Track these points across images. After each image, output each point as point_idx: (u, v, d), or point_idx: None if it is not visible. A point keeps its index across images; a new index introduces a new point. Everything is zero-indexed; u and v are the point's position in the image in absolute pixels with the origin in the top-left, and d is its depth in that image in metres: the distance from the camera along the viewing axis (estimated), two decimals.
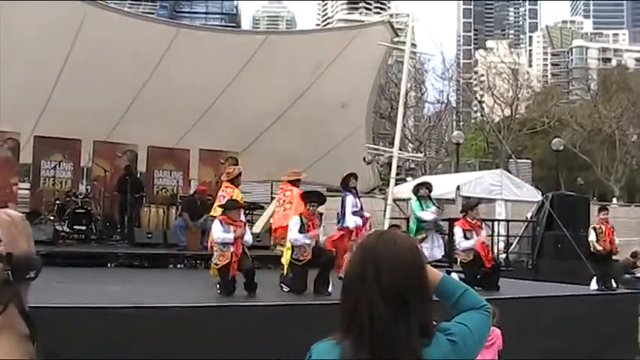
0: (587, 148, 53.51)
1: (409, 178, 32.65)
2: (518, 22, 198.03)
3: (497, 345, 7.63)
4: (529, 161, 43.06)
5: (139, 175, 18.54)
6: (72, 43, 15.13)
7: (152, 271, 14.23)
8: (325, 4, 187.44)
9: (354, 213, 12.19)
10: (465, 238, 11.85)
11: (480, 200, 17.64)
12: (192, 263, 15.24)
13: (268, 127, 18.86)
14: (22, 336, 1.25)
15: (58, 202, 16.49)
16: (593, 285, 12.83)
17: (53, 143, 17.59)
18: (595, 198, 48.71)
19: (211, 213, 11.37)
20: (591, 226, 14.11)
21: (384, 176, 25.30)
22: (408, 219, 15.84)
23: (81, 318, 7.33)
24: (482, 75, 64.94)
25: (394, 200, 17.23)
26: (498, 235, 21.14)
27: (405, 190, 19.18)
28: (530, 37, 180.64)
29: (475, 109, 67.37)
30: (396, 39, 18.98)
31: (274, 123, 18.75)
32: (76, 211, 16.14)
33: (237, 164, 14.20)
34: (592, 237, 13.60)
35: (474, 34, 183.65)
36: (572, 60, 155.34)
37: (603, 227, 13.58)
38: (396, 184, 18.34)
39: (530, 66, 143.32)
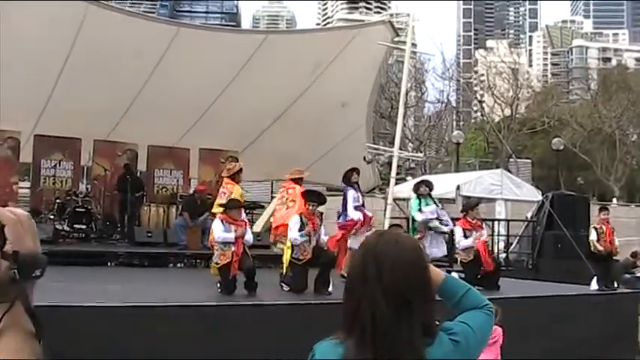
0: (587, 147, 53.54)
1: (409, 178, 32.62)
2: (519, 21, 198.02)
3: (500, 344, 7.62)
4: (529, 161, 43.14)
5: (139, 174, 18.54)
6: (72, 42, 15.12)
7: (152, 270, 14.23)
8: (325, 4, 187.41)
9: (356, 208, 12.21)
10: (465, 237, 11.85)
11: (480, 200, 17.62)
12: (192, 262, 15.22)
13: (268, 126, 18.85)
14: (28, 334, 1.25)
15: (58, 201, 16.49)
16: (594, 285, 12.82)
17: (53, 142, 17.60)
18: (595, 198, 48.74)
19: (213, 210, 11.38)
20: (592, 225, 14.13)
21: (384, 176, 25.29)
22: (408, 219, 15.83)
23: (81, 317, 7.33)
24: (483, 75, 64.96)
25: (394, 200, 17.23)
26: (498, 235, 21.15)
27: (405, 189, 19.18)
28: (531, 37, 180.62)
29: (475, 108, 67.42)
30: (396, 39, 18.95)
31: (274, 122, 18.74)
32: (76, 210, 16.14)
33: (237, 162, 14.20)
34: (593, 237, 13.62)
35: (474, 34, 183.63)
36: (572, 60, 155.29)
37: (604, 227, 13.60)
38: (396, 184, 18.33)
39: (531, 66, 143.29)
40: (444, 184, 20.61)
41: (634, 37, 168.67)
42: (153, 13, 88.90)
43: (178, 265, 15.24)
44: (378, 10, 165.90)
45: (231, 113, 17.58)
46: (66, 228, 15.92)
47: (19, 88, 14.72)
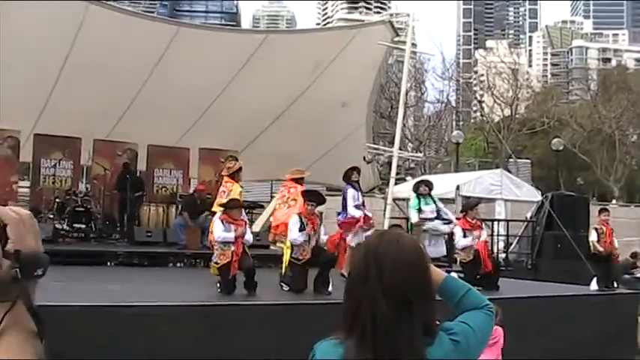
0: (586, 148, 53.54)
1: (409, 178, 32.63)
2: (518, 22, 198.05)
3: (501, 344, 7.62)
4: (529, 161, 43.09)
5: (138, 173, 18.54)
6: (72, 41, 15.12)
7: (152, 269, 14.22)
8: (325, 4, 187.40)
9: (356, 207, 12.22)
10: (465, 237, 11.85)
11: (480, 200, 17.64)
12: (192, 262, 15.22)
13: (268, 126, 18.85)
14: (30, 333, 1.25)
15: (57, 200, 16.49)
16: (594, 285, 12.83)
17: (53, 141, 17.60)
18: (594, 198, 48.73)
19: (213, 209, 11.38)
20: (592, 226, 14.12)
21: (384, 176, 25.31)
22: (407, 218, 15.82)
23: (80, 317, 7.33)
24: (482, 75, 64.98)
25: (394, 200, 17.23)
26: (498, 235, 21.14)
27: (405, 189, 19.18)
28: (530, 37, 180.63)
29: (475, 108, 67.42)
30: (396, 38, 18.95)
31: (274, 122, 18.74)
32: (76, 209, 16.14)
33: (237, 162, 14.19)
34: (593, 237, 13.61)
35: (474, 34, 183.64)
36: (572, 60, 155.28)
37: (604, 228, 13.59)
38: (395, 184, 18.33)
39: (530, 66, 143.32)
40: (443, 184, 20.61)
41: (634, 38, 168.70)
42: (152, 12, 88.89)
43: (178, 264, 15.24)
44: (378, 10, 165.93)
45: (231, 113, 17.58)
46: (65, 227, 15.92)
47: (19, 87, 14.73)
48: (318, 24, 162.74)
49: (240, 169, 11.40)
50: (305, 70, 17.37)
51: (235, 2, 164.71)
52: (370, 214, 12.69)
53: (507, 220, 21.77)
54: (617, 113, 53.65)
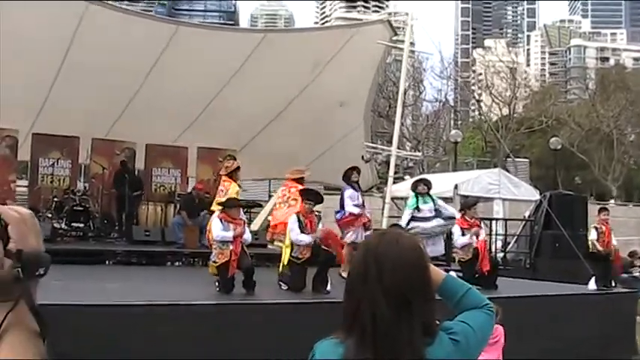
0: (584, 147, 53.57)
1: (407, 177, 32.63)
2: (517, 21, 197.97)
3: (502, 343, 7.60)
4: (527, 160, 43.11)
5: (137, 172, 18.52)
6: (70, 40, 15.11)
7: (150, 268, 14.21)
8: (323, 3, 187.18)
9: (354, 206, 12.23)
10: (463, 236, 11.85)
11: (478, 199, 17.63)
12: (190, 261, 15.22)
13: (266, 125, 18.85)
14: (32, 333, 1.25)
15: (56, 199, 16.47)
16: (592, 285, 12.82)
17: (51, 141, 17.58)
18: (593, 197, 48.73)
19: (211, 208, 11.38)
20: (592, 225, 14.11)
21: (382, 175, 25.35)
22: None
23: (79, 316, 7.32)
24: (481, 74, 65.09)
25: (392, 199, 17.26)
26: (496, 234, 21.11)
27: (403, 188, 19.18)
28: (529, 36, 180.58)
29: (473, 107, 67.50)
30: (394, 38, 18.96)
31: (272, 121, 18.74)
32: (74, 208, 16.13)
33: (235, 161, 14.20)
34: (593, 236, 13.60)
35: (472, 33, 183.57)
36: (570, 59, 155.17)
37: (604, 227, 13.59)
38: (393, 183, 18.36)
39: (528, 65, 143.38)
40: (441, 183, 20.60)
41: (632, 37, 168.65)
42: (151, 11, 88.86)
43: (176, 263, 15.24)
44: (376, 9, 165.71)
45: (229, 112, 17.58)
46: (64, 226, 15.90)
47: (17, 86, 14.71)
48: (316, 23, 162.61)
49: (238, 168, 11.41)
50: (303, 69, 17.37)
51: (233, 1, 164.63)
52: (369, 216, 12.71)
53: (505, 220, 21.75)
54: (616, 112, 53.70)
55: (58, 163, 17.59)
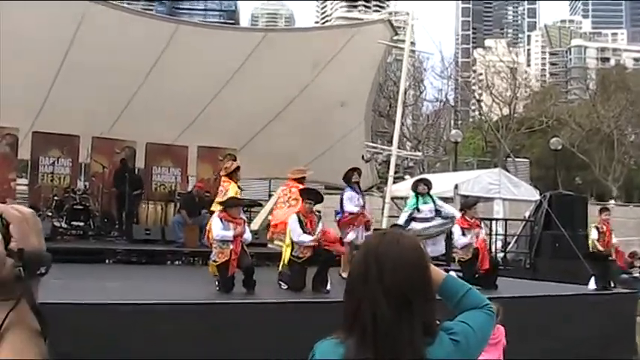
0: (585, 147, 53.55)
1: (407, 177, 32.64)
2: (517, 21, 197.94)
3: (503, 343, 7.59)
4: (527, 160, 43.11)
5: (137, 171, 18.52)
6: (71, 39, 15.11)
7: (150, 267, 14.23)
8: (324, 2, 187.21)
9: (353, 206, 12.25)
10: (464, 236, 11.84)
11: (478, 199, 17.63)
12: (190, 260, 15.24)
13: (267, 124, 18.85)
14: (33, 332, 1.25)
15: (56, 198, 16.46)
16: (592, 285, 12.82)
17: (52, 139, 17.57)
18: (593, 198, 48.73)
19: (212, 208, 11.38)
20: (594, 225, 14.05)
21: (382, 174, 25.34)
22: None
23: (79, 314, 7.32)
24: (481, 74, 65.05)
25: (392, 198, 17.26)
26: (496, 234, 21.13)
27: (403, 188, 19.19)
28: (529, 37, 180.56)
29: (473, 107, 67.48)
30: (395, 37, 18.97)
31: (273, 120, 18.74)
32: (74, 207, 16.12)
33: (235, 161, 14.19)
34: (594, 235, 13.54)
35: (473, 33, 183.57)
36: (570, 59, 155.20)
37: (605, 227, 13.56)
38: (394, 183, 18.37)
39: (529, 65, 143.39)
40: (442, 183, 20.61)
41: (632, 37, 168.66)
42: (151, 10, 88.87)
43: (176, 262, 15.25)
44: (377, 8, 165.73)
45: (229, 111, 17.58)
46: (64, 225, 15.90)
47: (18, 84, 14.72)
48: (316, 22, 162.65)
49: (237, 168, 11.40)
50: (304, 68, 17.37)
51: (234, 1, 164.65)
52: (369, 216, 12.71)
53: (505, 220, 21.77)
54: (616, 113, 53.68)
55: (58, 162, 17.59)
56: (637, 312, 12.46)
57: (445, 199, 19.14)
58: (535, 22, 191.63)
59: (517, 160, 41.06)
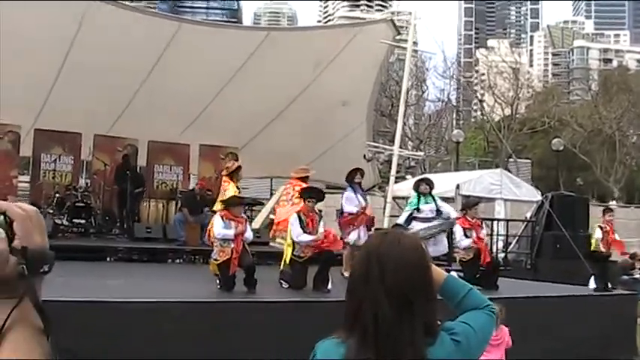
0: (587, 148, 53.48)
1: (409, 176, 32.62)
2: (520, 21, 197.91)
3: (506, 343, 7.55)
4: (529, 161, 43.12)
5: (138, 169, 18.53)
6: (73, 36, 15.12)
7: (151, 265, 14.22)
8: (327, 2, 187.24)
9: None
10: (465, 236, 11.83)
11: (480, 199, 17.61)
12: (191, 258, 15.24)
13: (269, 123, 18.85)
14: (36, 330, 1.26)
15: (57, 195, 16.46)
16: (592, 284, 12.82)
17: (53, 136, 17.58)
18: (594, 199, 48.68)
19: (214, 207, 11.37)
20: (597, 224, 14.02)
21: (384, 174, 25.30)
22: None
23: (79, 312, 7.33)
24: (483, 74, 64.91)
25: (394, 198, 17.24)
26: (497, 235, 21.12)
27: (405, 188, 19.17)
28: (532, 37, 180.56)
29: (475, 107, 67.36)
30: (397, 37, 18.95)
31: (275, 119, 18.75)
32: (76, 204, 16.13)
33: (237, 160, 14.18)
34: (598, 235, 13.50)
35: (476, 33, 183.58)
36: (573, 60, 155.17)
37: (608, 228, 13.54)
38: (395, 182, 18.35)
39: (531, 66, 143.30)
40: (443, 182, 20.60)
41: (635, 39, 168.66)
42: (154, 8, 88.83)
43: (177, 260, 15.26)
44: (380, 8, 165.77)
45: (231, 109, 17.59)
46: (65, 222, 15.90)
47: (20, 82, 14.73)
48: (319, 22, 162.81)
49: (238, 168, 11.39)
50: (306, 67, 17.37)
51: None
52: (372, 214, 12.70)
53: (507, 220, 21.76)
54: (618, 114, 53.59)
55: (60, 159, 17.61)
56: (637, 313, 12.46)
57: (447, 199, 19.14)
58: (538, 23, 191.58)
59: (519, 160, 41.00)
